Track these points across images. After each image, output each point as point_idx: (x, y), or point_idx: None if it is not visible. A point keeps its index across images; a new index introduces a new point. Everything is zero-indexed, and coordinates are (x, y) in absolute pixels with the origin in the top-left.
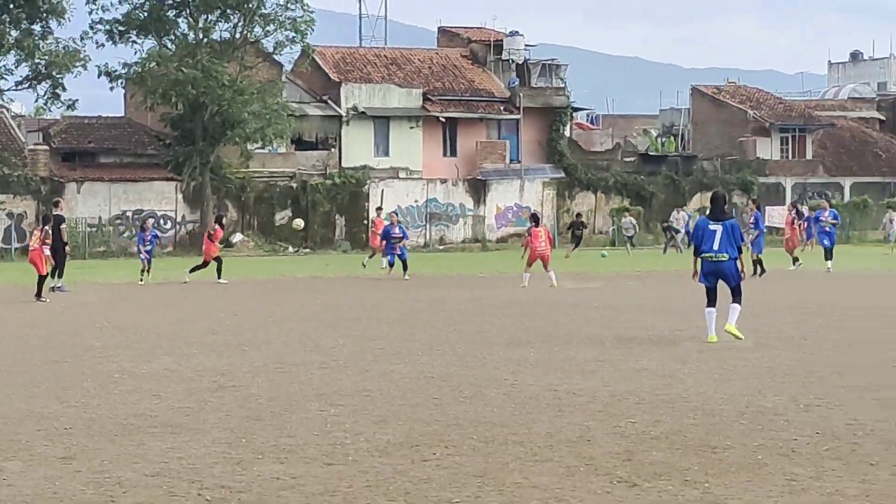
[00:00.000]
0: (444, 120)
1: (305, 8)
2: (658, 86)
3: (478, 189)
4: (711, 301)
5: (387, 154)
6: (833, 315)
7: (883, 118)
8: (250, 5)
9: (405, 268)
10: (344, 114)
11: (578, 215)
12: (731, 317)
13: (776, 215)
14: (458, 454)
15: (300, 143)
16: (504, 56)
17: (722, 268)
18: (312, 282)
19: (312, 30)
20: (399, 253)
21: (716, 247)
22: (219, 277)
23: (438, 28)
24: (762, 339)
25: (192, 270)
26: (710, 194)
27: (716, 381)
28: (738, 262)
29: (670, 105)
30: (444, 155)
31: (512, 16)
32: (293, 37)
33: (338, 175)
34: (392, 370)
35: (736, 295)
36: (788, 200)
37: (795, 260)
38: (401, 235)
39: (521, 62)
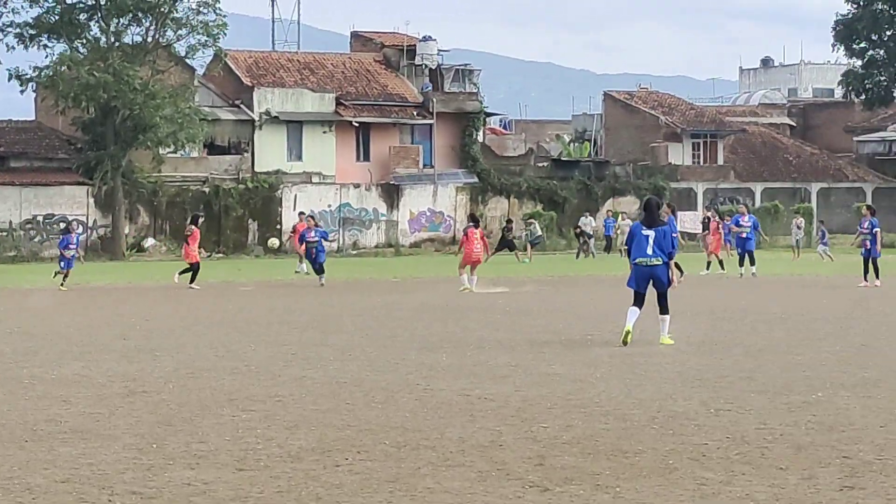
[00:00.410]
0: (357, 125)
1: (218, 12)
2: (571, 91)
3: (391, 194)
4: (638, 303)
5: (300, 159)
6: (744, 320)
7: (793, 124)
8: (162, 9)
9: (320, 272)
10: (257, 118)
11: (509, 221)
12: (662, 329)
13: (688, 220)
14: (370, 459)
15: (213, 148)
16: (417, 61)
17: (654, 272)
18: (225, 287)
19: (225, 34)
20: (315, 257)
21: (648, 251)
22: (191, 282)
23: (351, 33)
24: (674, 343)
25: (182, 272)
26: (623, 198)
27: (627, 386)
28: (668, 267)
29: (583, 110)
30: (358, 160)
31: (425, 21)
32: (205, 41)
33: (250, 180)
34: (304, 375)
35: (663, 304)
36: (700, 206)
37: (709, 265)
38: (317, 239)
39: (434, 67)
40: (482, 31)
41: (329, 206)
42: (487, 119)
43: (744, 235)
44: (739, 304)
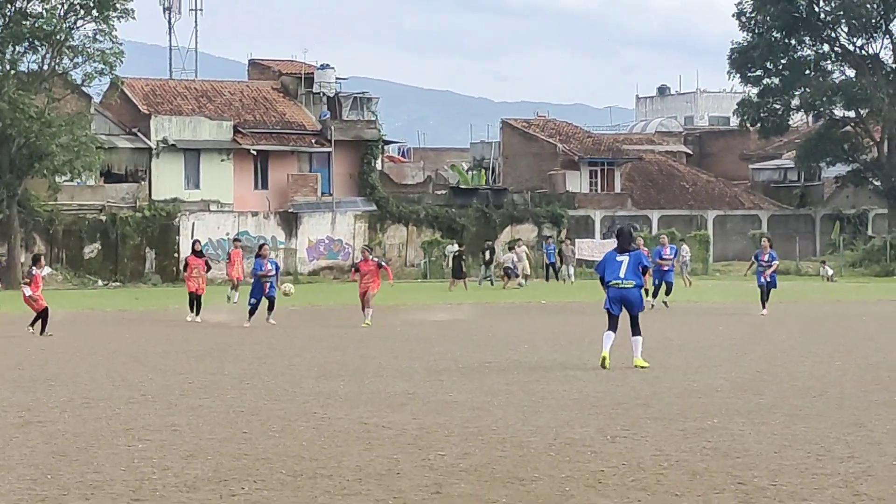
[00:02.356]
0: (255, 153)
1: (114, 40)
2: (469, 119)
3: (289, 222)
4: (613, 327)
5: (197, 187)
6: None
7: (689, 152)
8: (59, 37)
9: (271, 308)
10: (154, 146)
11: (460, 245)
12: (635, 350)
13: (586, 248)
14: (267, 489)
15: (109, 176)
16: (315, 89)
17: (627, 294)
18: (121, 315)
19: (122, 62)
20: (267, 292)
21: (622, 274)
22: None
23: (249, 60)
24: (570, 370)
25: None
26: (521, 226)
27: (524, 413)
28: (641, 290)
29: (481, 138)
30: (256, 188)
31: (323, 49)
32: (102, 69)
33: (148, 208)
34: (201, 404)
35: (635, 327)
36: (598, 233)
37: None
38: (273, 272)
39: (332, 95)
40: (380, 59)
41: (227, 234)
42: (386, 147)
43: (665, 268)
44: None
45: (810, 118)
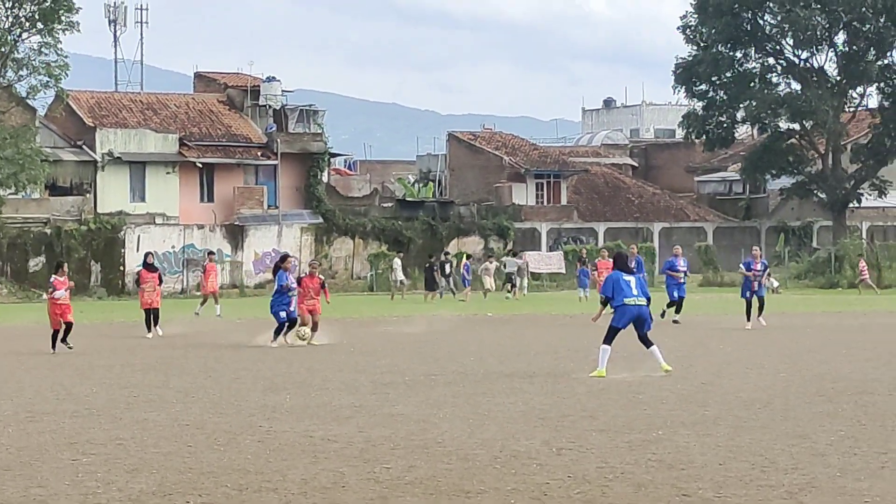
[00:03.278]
0: (200, 165)
1: (60, 52)
2: (416, 131)
3: (235, 235)
4: (611, 341)
5: (143, 200)
6: (587, 359)
7: (635, 164)
8: (2, 50)
9: (291, 326)
10: (99, 159)
11: (430, 256)
12: (659, 359)
13: (532, 260)
14: (212, 502)
15: (54, 189)
16: (261, 101)
17: (642, 311)
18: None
19: (67, 74)
20: (290, 311)
21: (635, 292)
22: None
23: (195, 73)
24: (517, 383)
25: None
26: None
27: (470, 426)
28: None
29: (428, 151)
30: (202, 200)
31: (269, 61)
32: (47, 81)
33: (93, 221)
34: (146, 418)
35: (647, 340)
36: (544, 245)
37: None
38: (297, 286)
39: (278, 108)
40: (326, 72)
41: (173, 247)
42: (332, 159)
43: (681, 280)
44: (582, 343)
45: (755, 131)
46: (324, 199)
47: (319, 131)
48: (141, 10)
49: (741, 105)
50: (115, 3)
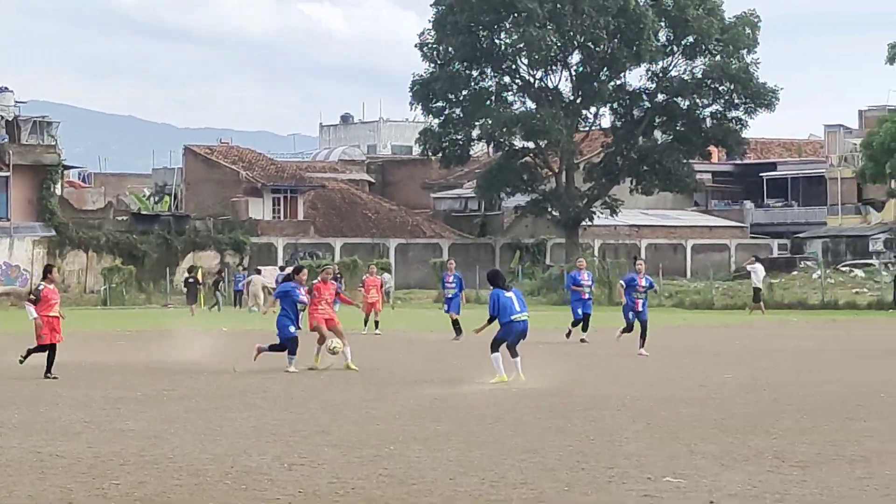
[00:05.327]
0: None
1: None
2: (152, 145)
3: None
4: (498, 348)
5: None
6: (320, 376)
7: (372, 180)
8: None
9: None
10: None
11: (192, 269)
12: (520, 368)
13: (269, 275)
14: None
15: None
16: None
17: (526, 326)
18: None
19: None
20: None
21: (518, 308)
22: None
23: None
24: (250, 398)
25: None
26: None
27: (202, 442)
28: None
29: (164, 164)
30: None
31: (1, 72)
32: None
33: None
34: None
35: (516, 350)
36: (280, 260)
37: (376, 324)
38: (307, 302)
39: (10, 119)
40: (62, 84)
41: None
42: (66, 172)
43: (585, 295)
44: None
45: (491, 148)
46: (57, 211)
47: (53, 143)
48: None
49: (477, 123)
50: None
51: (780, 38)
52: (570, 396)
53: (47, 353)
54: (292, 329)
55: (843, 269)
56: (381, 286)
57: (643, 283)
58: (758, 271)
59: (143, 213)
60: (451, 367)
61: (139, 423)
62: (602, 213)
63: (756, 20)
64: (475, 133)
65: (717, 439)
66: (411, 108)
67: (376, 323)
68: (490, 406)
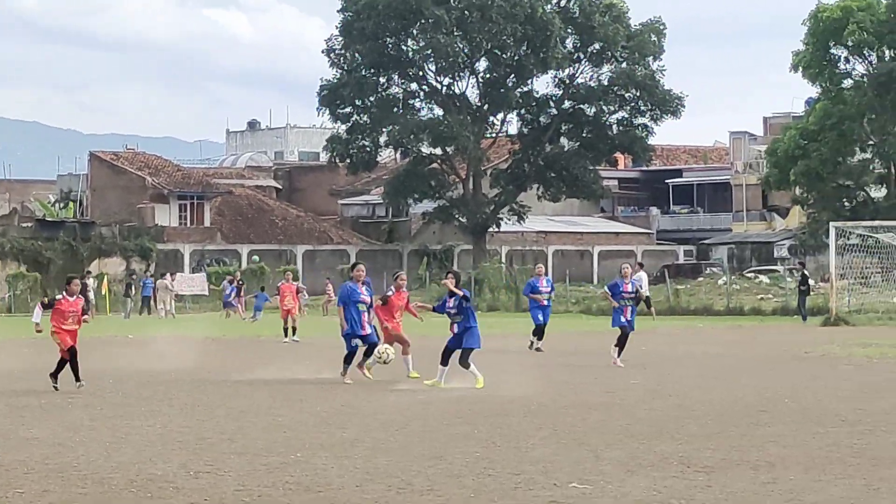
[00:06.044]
0: None
1: None
2: (57, 151)
3: None
4: (447, 360)
5: None
6: (227, 382)
7: (279, 186)
8: None
9: (368, 353)
10: None
11: (132, 274)
12: (478, 375)
13: (185, 283)
14: None
15: None
16: None
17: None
18: None
19: None
20: (368, 333)
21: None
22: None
23: None
24: (155, 405)
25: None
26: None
27: (107, 450)
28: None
29: (69, 170)
30: None
31: None
32: None
33: None
34: None
35: (468, 360)
36: (187, 267)
37: (294, 330)
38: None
39: None
40: None
41: None
42: None
43: (544, 303)
44: (232, 365)
45: (398, 155)
46: None
47: None
48: None
49: (384, 129)
50: None
51: (685, 45)
52: (476, 403)
53: (68, 363)
54: (354, 342)
55: (749, 275)
56: (297, 292)
57: (629, 288)
58: (643, 279)
59: (49, 219)
60: (359, 374)
61: (43, 431)
62: (509, 220)
63: (662, 27)
64: (383, 139)
65: (624, 445)
66: (318, 115)
67: (294, 329)
68: (397, 413)
